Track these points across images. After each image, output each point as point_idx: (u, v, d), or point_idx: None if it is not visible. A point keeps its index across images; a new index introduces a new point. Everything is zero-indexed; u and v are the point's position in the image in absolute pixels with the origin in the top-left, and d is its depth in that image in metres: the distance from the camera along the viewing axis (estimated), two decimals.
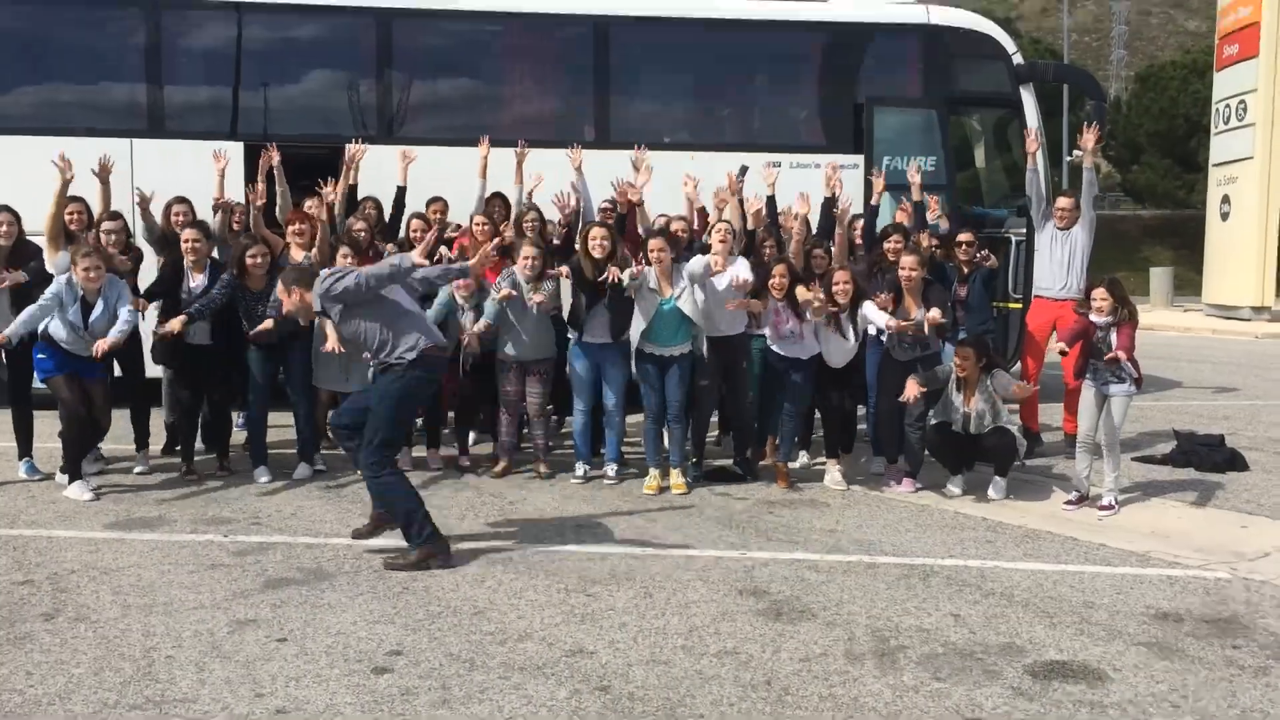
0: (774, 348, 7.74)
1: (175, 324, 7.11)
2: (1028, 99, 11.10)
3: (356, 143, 8.93)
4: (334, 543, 6.17)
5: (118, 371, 7.68)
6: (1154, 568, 6.02)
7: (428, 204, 8.82)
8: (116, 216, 7.74)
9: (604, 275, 7.43)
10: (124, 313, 7.10)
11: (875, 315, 7.55)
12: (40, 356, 7.05)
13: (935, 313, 7.45)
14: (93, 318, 6.94)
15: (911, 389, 7.35)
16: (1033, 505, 7.36)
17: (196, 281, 7.49)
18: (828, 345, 7.68)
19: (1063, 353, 7.59)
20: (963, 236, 8.96)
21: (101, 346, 6.84)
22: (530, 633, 4.88)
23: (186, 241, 7.47)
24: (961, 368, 7.40)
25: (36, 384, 7.37)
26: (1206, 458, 8.44)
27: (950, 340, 8.07)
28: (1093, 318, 7.23)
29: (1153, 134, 37.44)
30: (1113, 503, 7.20)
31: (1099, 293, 7.23)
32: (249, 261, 7.38)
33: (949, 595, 5.49)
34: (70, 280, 6.90)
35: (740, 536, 6.48)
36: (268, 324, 7.21)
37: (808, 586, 5.58)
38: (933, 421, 7.56)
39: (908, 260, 7.66)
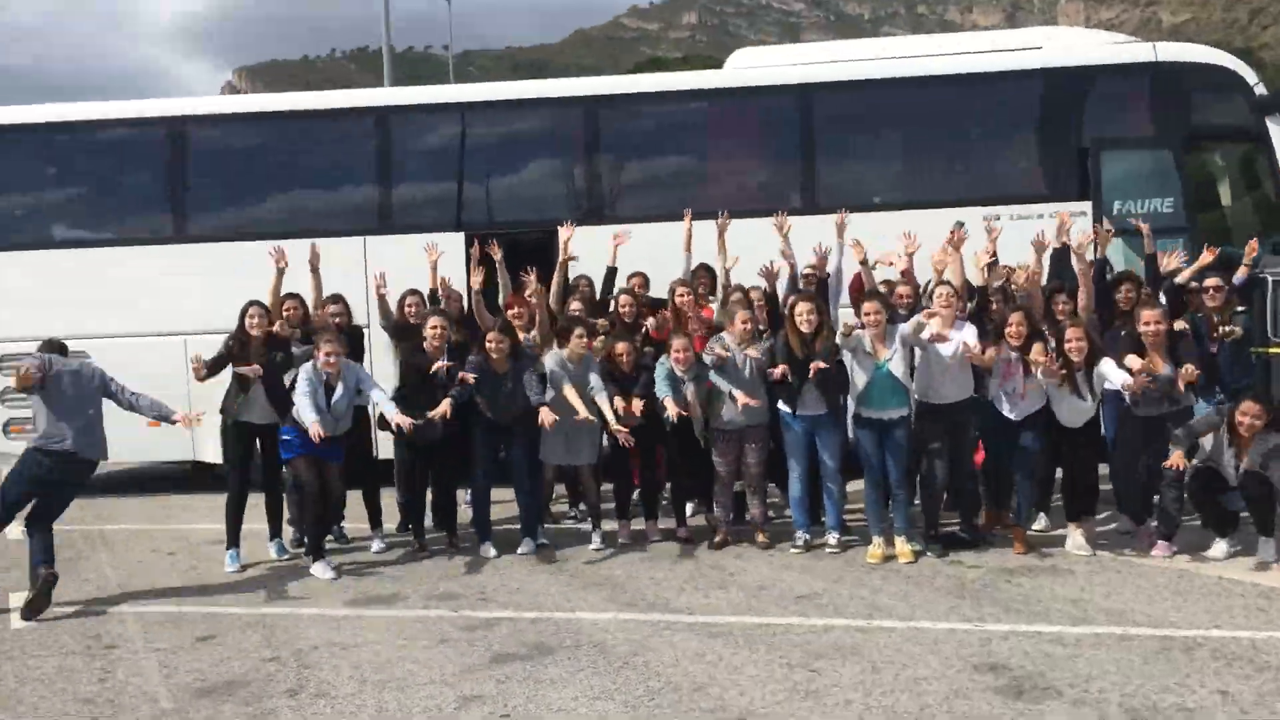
0: (1000, 408, 7.35)
1: (444, 407, 7.43)
2: (1274, 129, 10.24)
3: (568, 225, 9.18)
4: (556, 617, 6.21)
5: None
6: None
7: (629, 279, 8.96)
8: (338, 299, 8.37)
9: (811, 366, 7.27)
10: (376, 393, 7.58)
11: (1114, 374, 7.04)
12: (286, 438, 7.53)
13: (1190, 369, 6.89)
14: (334, 399, 7.37)
15: (1176, 459, 6.76)
16: None
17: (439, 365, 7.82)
18: (1061, 405, 7.23)
19: None
20: (1209, 282, 8.11)
21: (442, 410, 7.32)
22: (752, 710, 4.72)
23: (434, 329, 7.82)
24: (1244, 425, 6.74)
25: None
26: None
27: (1206, 399, 7.45)
28: None
29: None
30: None
31: None
32: (491, 345, 7.68)
33: (1215, 670, 4.95)
34: (315, 365, 7.37)
35: (975, 608, 6.09)
36: (444, 408, 7.45)
37: (1052, 661, 5.17)
38: (1194, 467, 6.94)
39: (1149, 315, 7.14)
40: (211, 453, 10.00)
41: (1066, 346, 7.14)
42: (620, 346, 7.95)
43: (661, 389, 7.68)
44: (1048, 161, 10.89)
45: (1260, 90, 10.42)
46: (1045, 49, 10.96)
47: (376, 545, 8.12)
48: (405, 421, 7.33)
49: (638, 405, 7.73)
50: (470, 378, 7.55)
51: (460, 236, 10.79)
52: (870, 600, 6.32)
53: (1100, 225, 8.38)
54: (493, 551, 7.77)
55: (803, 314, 7.41)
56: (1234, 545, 7.00)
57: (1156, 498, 7.28)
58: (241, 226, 11.13)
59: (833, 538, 7.63)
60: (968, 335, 7.21)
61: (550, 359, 7.79)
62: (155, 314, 10.85)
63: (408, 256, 10.18)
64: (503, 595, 6.76)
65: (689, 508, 8.44)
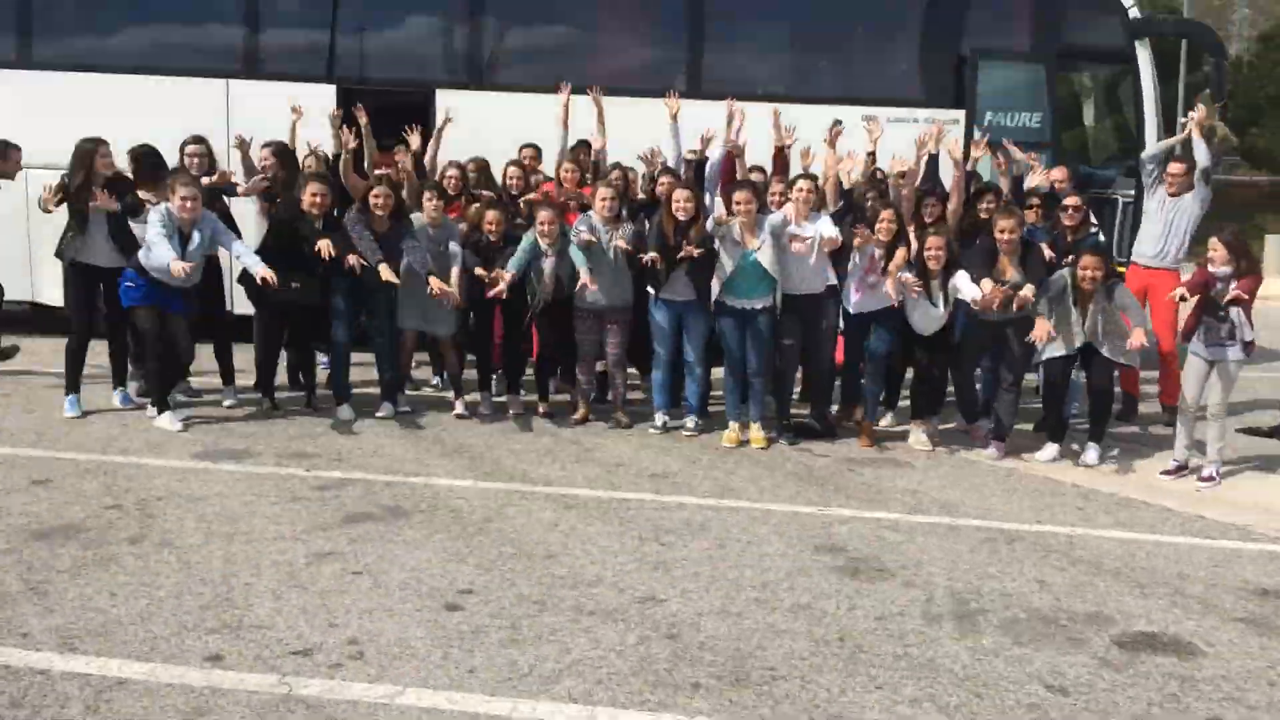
0: (852, 306, 7.55)
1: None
2: (1143, 54, 10.53)
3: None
4: (412, 481, 6.21)
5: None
6: (1255, 542, 5.74)
7: (520, 150, 8.79)
8: (200, 140, 7.99)
9: (682, 253, 7.30)
10: (238, 246, 7.30)
11: (967, 287, 7.28)
12: (128, 285, 7.17)
13: (1029, 290, 7.14)
14: (190, 249, 7.06)
15: (1042, 328, 7.06)
16: (1127, 473, 7.09)
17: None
18: (914, 312, 7.46)
19: (1182, 298, 7.17)
20: (1069, 200, 8.40)
21: (184, 268, 6.90)
22: (601, 578, 4.85)
23: (315, 196, 7.49)
24: (1084, 278, 7.08)
25: None
26: None
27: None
28: (1211, 269, 6.91)
29: (1274, 97, 35.64)
30: (1214, 474, 6.90)
31: (1213, 241, 6.94)
32: (375, 201, 7.45)
33: (1034, 561, 5.31)
34: (167, 210, 7.02)
35: (820, 493, 6.35)
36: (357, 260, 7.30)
37: (886, 546, 5.45)
38: (1045, 356, 7.34)
39: (1005, 223, 7.36)
40: (51, 295, 9.53)
41: (926, 255, 7.33)
42: (490, 215, 7.82)
43: (517, 260, 7.61)
44: (927, 67, 11.00)
45: (1134, 13, 10.70)
46: None
47: (228, 400, 7.91)
48: (270, 275, 7.09)
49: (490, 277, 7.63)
50: (355, 263, 7.31)
51: (332, 89, 10.36)
52: (722, 482, 6.52)
53: (979, 141, 8.47)
54: (349, 413, 7.67)
55: (679, 200, 7.41)
56: (1061, 450, 7.42)
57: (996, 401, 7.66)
58: (92, 57, 10.41)
59: (690, 421, 7.79)
60: (822, 226, 7.36)
61: (414, 222, 7.64)
62: None
63: (275, 104, 9.78)
64: (358, 457, 6.71)
65: (551, 384, 8.48)
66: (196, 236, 7.10)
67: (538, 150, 8.97)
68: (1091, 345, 7.21)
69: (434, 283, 7.36)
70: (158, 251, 6.91)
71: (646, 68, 11.23)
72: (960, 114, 10.48)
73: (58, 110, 9.72)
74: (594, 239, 7.50)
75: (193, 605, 4.39)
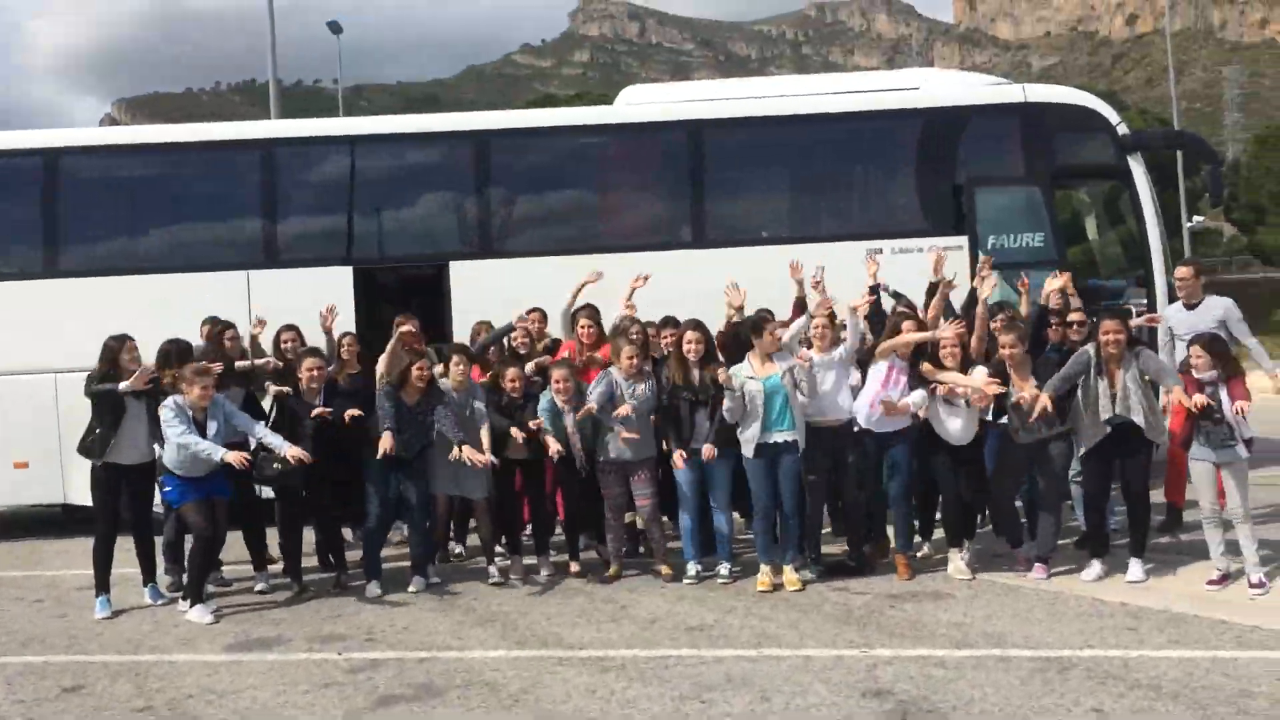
0: (871, 425, 7.52)
1: (387, 441, 7.30)
2: (1136, 168, 10.75)
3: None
4: (445, 656, 6.11)
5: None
6: None
7: (527, 313, 8.94)
8: (231, 325, 8.23)
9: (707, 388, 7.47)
10: (259, 427, 7.39)
11: (976, 375, 7.34)
12: (167, 489, 7.28)
13: (1033, 397, 7.12)
14: (210, 437, 7.15)
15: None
16: (1174, 586, 6.90)
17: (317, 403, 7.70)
18: (949, 420, 7.42)
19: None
20: (1073, 316, 8.37)
21: (242, 457, 7.05)
22: None
23: (310, 370, 7.68)
24: (1107, 342, 7.01)
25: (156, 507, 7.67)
26: None
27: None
28: (1196, 375, 6.92)
29: (1275, 194, 36.10)
30: (1263, 579, 6.70)
31: (1194, 350, 6.95)
32: (414, 374, 7.58)
33: (1090, 689, 5.12)
34: (178, 403, 7.14)
35: (861, 633, 6.20)
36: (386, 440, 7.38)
37: (935, 684, 5.28)
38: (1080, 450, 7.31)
39: (1006, 339, 7.40)
40: (81, 494, 9.62)
41: (942, 352, 7.42)
42: (510, 372, 7.92)
43: (548, 422, 7.71)
44: (926, 197, 11.23)
45: (1123, 129, 10.94)
46: (922, 89, 11.33)
47: (260, 585, 7.88)
48: (296, 451, 7.16)
49: (519, 434, 7.68)
50: (352, 415, 7.47)
51: (349, 271, 10.68)
52: (760, 629, 6.37)
53: (985, 263, 8.51)
54: (378, 590, 7.61)
55: (691, 342, 7.56)
56: (1105, 567, 7.25)
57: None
58: (117, 261, 10.79)
59: (724, 568, 7.68)
60: (845, 358, 7.50)
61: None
62: (26, 349, 10.39)
63: (293, 291, 10.06)
64: (390, 635, 6.62)
65: (581, 541, 8.42)
66: (213, 425, 7.20)
67: (543, 313, 9.12)
68: (1125, 434, 7.07)
69: (466, 451, 7.38)
70: (195, 446, 7.01)
71: (652, 223, 11.53)
72: (963, 239, 10.64)
73: (84, 314, 10.03)
74: (594, 409, 7.52)
75: None
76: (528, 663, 5.93)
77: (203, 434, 7.13)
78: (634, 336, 8.00)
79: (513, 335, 8.51)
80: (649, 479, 7.76)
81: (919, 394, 7.40)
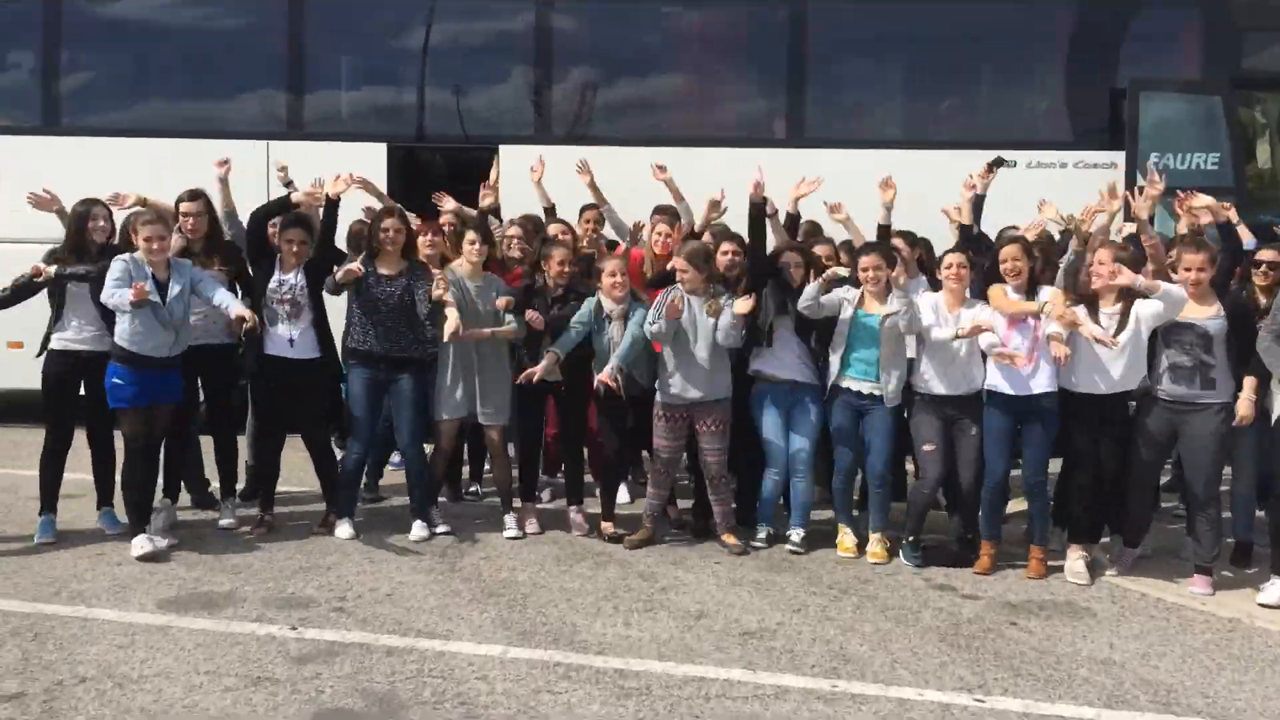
0: (998, 386, 5.87)
1: (355, 268, 6.09)
2: None
3: None
4: (422, 648, 4.67)
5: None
6: None
7: (581, 211, 7.42)
8: (196, 196, 6.49)
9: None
10: (221, 292, 6.02)
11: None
12: (117, 382, 5.89)
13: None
14: (170, 298, 5.79)
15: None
16: None
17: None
18: (1079, 364, 5.71)
19: None
20: (1265, 254, 6.47)
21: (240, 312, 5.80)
22: None
23: (291, 243, 6.27)
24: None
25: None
26: None
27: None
28: None
29: None
30: None
31: None
32: (383, 235, 6.27)
33: None
34: (135, 258, 5.76)
35: (973, 665, 4.62)
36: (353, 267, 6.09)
37: None
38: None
39: (1194, 259, 5.65)
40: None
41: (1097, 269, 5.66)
42: (558, 253, 6.43)
43: (568, 336, 6.23)
44: (1075, 101, 9.28)
45: None
46: None
47: (225, 519, 6.51)
48: (248, 314, 5.81)
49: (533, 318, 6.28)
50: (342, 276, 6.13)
51: (383, 148, 9.21)
52: (838, 645, 4.83)
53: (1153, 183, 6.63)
54: (350, 530, 6.26)
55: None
56: None
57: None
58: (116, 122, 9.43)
59: (796, 534, 6.25)
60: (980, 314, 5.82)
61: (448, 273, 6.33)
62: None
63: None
64: (364, 607, 5.21)
65: (623, 491, 6.97)
66: (175, 286, 5.83)
67: (600, 214, 7.55)
68: None
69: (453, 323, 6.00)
70: (111, 291, 5.67)
71: (739, 115, 9.83)
72: (1118, 156, 8.73)
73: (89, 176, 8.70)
74: (677, 313, 5.99)
75: None
76: (526, 669, 4.48)
77: (164, 296, 5.78)
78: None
79: (506, 239, 6.95)
80: (720, 429, 6.19)
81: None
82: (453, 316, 5.98)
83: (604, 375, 6.08)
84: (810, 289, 5.96)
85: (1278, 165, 10.25)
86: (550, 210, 7.60)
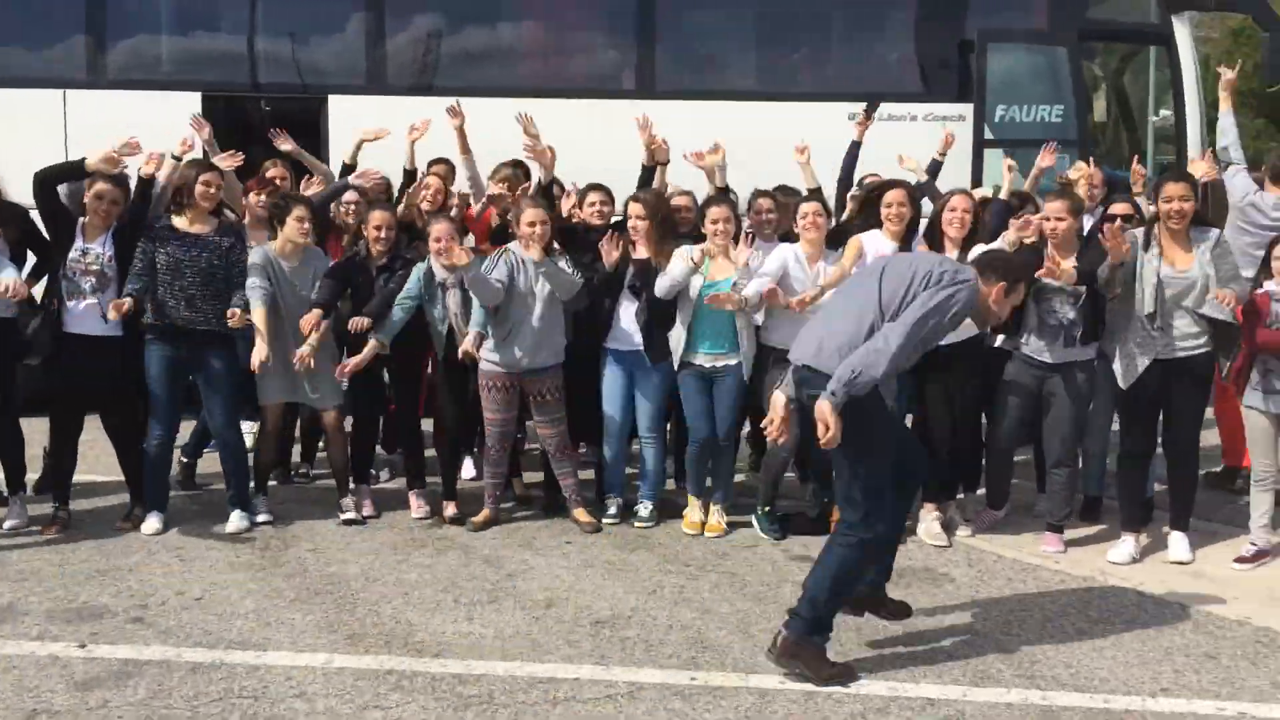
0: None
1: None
2: (1181, 32, 8.75)
3: None
4: (231, 661, 4.15)
5: None
6: None
7: (430, 165, 6.90)
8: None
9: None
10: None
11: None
12: None
13: (1070, 265, 5.33)
14: None
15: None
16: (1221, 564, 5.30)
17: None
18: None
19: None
20: (1117, 208, 6.20)
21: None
22: None
23: (101, 200, 5.53)
24: (1170, 212, 5.20)
25: None
26: None
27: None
28: (1270, 286, 5.25)
29: None
30: None
31: (1277, 251, 5.26)
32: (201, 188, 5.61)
33: None
34: None
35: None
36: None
37: None
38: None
39: (1057, 205, 5.51)
40: None
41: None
42: (378, 215, 5.92)
43: (395, 318, 5.72)
44: (925, 53, 9.14)
45: None
46: None
47: (11, 521, 5.69)
48: (12, 284, 5.18)
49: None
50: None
51: (196, 97, 8.38)
52: (695, 631, 4.51)
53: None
54: (157, 524, 5.64)
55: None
56: (1140, 543, 5.52)
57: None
58: None
59: (644, 509, 5.94)
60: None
61: (255, 254, 5.70)
62: None
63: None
64: (168, 613, 4.63)
65: (467, 466, 6.55)
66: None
67: (451, 167, 6.99)
68: (1180, 365, 5.30)
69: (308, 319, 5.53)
70: None
71: (587, 66, 9.36)
72: (967, 108, 8.64)
73: None
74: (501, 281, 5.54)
75: None
76: (352, 681, 4.01)
77: None
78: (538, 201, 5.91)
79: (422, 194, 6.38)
80: (552, 399, 5.78)
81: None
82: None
83: (467, 344, 5.61)
84: (678, 271, 5.58)
85: (1118, 117, 10.41)
86: (411, 173, 6.94)
